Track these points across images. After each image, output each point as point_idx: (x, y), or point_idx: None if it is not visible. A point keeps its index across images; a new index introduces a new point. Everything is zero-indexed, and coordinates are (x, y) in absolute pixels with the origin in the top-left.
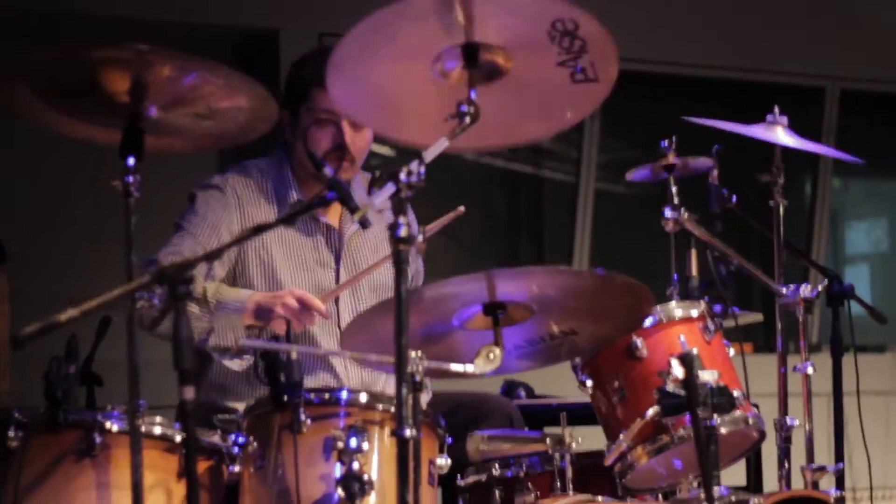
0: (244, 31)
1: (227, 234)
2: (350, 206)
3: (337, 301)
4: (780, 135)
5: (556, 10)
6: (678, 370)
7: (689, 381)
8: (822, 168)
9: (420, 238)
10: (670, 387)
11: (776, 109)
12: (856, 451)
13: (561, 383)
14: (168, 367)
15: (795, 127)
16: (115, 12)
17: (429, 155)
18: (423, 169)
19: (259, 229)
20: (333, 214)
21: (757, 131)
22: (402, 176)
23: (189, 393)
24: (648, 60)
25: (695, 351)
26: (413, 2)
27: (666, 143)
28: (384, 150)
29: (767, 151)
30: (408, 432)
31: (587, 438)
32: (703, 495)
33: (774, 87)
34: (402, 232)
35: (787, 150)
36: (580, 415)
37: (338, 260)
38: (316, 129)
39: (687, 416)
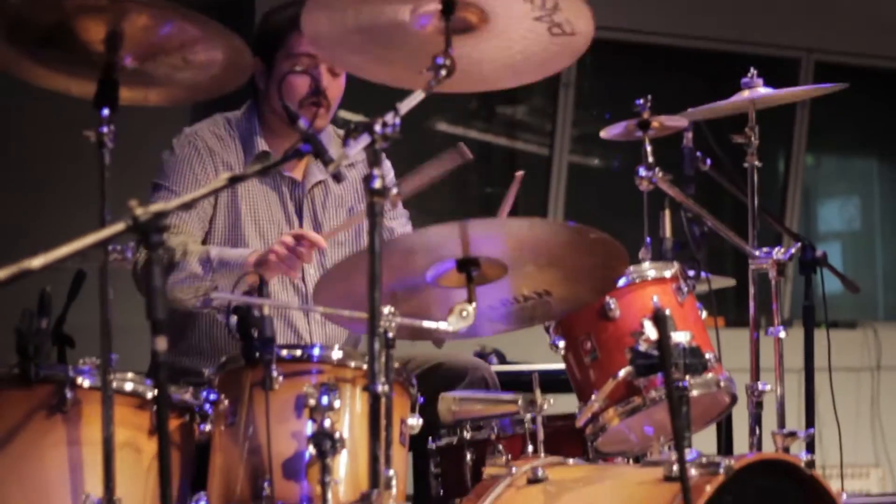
0: None
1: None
2: (325, 158)
3: None
4: (757, 91)
5: None
6: (651, 331)
7: (662, 341)
8: (796, 145)
9: (395, 190)
10: (643, 347)
11: (752, 71)
12: (826, 427)
13: (533, 349)
14: (143, 333)
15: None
16: None
17: (404, 107)
18: (398, 120)
19: (234, 180)
20: (297, 168)
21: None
22: (378, 127)
23: (161, 344)
24: (623, 29)
25: (668, 311)
26: None
27: (641, 101)
28: (358, 118)
29: (743, 120)
30: (380, 388)
31: (559, 403)
32: (674, 457)
33: (750, 57)
34: (377, 183)
35: (761, 127)
36: (552, 381)
37: (300, 213)
38: (292, 75)
39: (659, 377)
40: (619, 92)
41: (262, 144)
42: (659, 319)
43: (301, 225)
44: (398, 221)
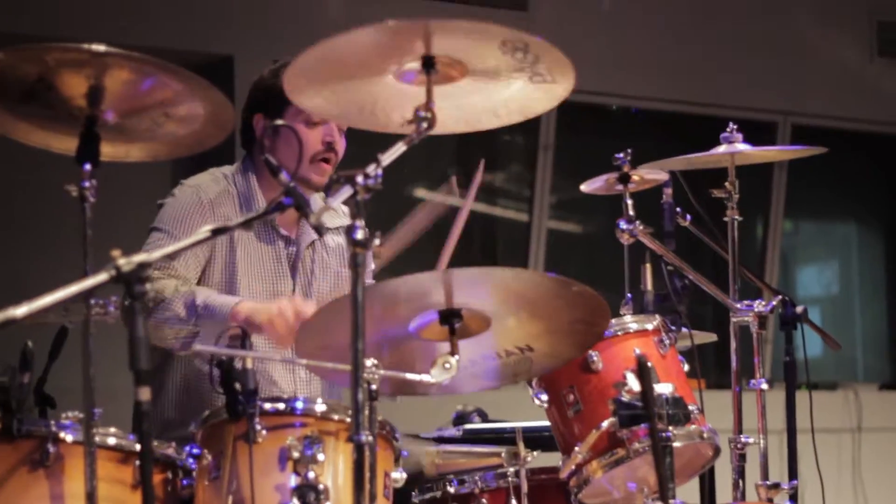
0: (199, 57)
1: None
2: (305, 211)
3: None
4: (738, 146)
5: (502, 34)
6: (634, 382)
7: (646, 389)
8: (773, 209)
9: (377, 242)
10: (626, 398)
11: (732, 126)
12: (808, 488)
13: (515, 408)
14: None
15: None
16: (66, 35)
17: (386, 158)
18: (380, 171)
19: (217, 232)
20: (291, 227)
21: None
22: (360, 179)
23: (145, 394)
24: (602, 93)
25: (650, 364)
26: (369, 30)
27: (622, 154)
28: None
29: (722, 177)
30: (364, 438)
31: (542, 459)
32: None
33: (728, 121)
34: (359, 234)
35: (738, 192)
36: (535, 438)
37: (293, 271)
38: (306, 129)
39: (642, 429)
40: (598, 155)
41: (262, 200)
42: (642, 368)
43: (294, 282)
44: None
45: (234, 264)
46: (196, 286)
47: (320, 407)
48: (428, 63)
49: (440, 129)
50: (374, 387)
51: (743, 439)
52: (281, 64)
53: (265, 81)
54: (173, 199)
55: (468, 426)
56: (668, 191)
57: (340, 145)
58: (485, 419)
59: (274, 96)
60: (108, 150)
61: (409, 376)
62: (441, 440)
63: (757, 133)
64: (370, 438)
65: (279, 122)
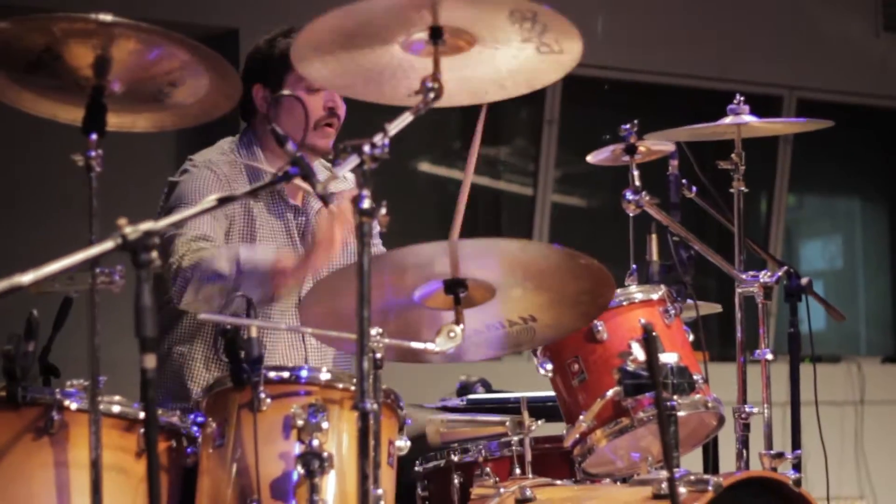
0: (204, 30)
1: (223, 212)
2: (312, 180)
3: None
4: (743, 118)
5: (510, 3)
6: (639, 351)
7: (651, 358)
8: (778, 183)
9: (384, 212)
10: (631, 367)
11: (739, 97)
12: (812, 460)
13: (519, 378)
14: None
15: (752, 138)
16: (71, 7)
17: (392, 128)
18: (387, 141)
19: (223, 201)
20: (298, 197)
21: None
22: (366, 148)
23: (150, 361)
24: (607, 67)
25: (655, 333)
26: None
27: (628, 126)
28: None
29: (728, 149)
30: (368, 405)
31: (546, 427)
32: (663, 475)
33: (733, 95)
34: (366, 204)
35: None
36: (539, 408)
37: (304, 242)
38: (307, 95)
39: (647, 398)
40: (602, 129)
41: (268, 171)
42: (648, 337)
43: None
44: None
45: (252, 237)
46: (237, 244)
47: (325, 375)
48: (436, 33)
49: (446, 100)
50: (379, 355)
51: (747, 409)
52: (277, 33)
53: (262, 51)
54: (189, 176)
55: (472, 396)
56: (674, 162)
57: (342, 109)
58: (488, 389)
59: (272, 65)
60: (115, 121)
61: (414, 345)
62: (445, 410)
63: (762, 107)
64: (375, 406)
65: (285, 91)
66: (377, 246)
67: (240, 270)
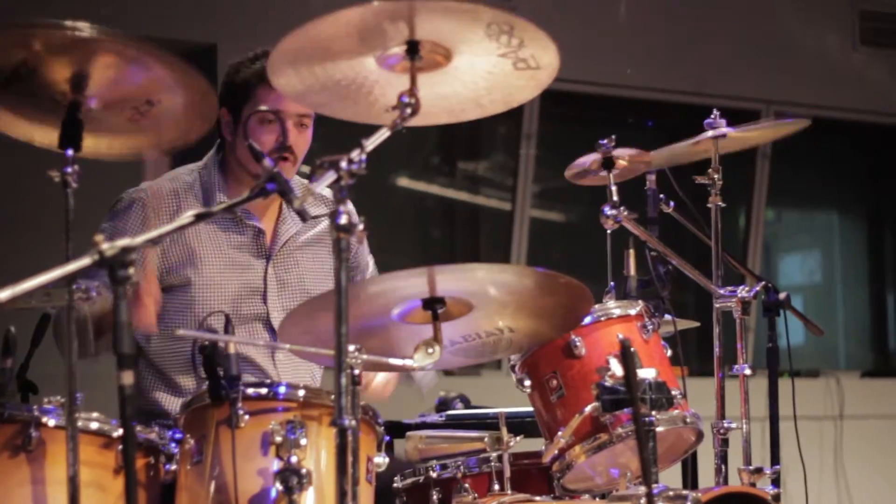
0: (182, 46)
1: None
2: (289, 197)
3: (265, 299)
4: (722, 130)
5: (488, 17)
6: (617, 367)
7: (629, 372)
8: (756, 198)
9: (361, 227)
10: (609, 382)
11: (716, 112)
12: (791, 475)
13: (498, 394)
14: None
15: (730, 153)
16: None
17: (370, 143)
18: (364, 157)
19: (200, 217)
20: (268, 217)
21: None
22: (343, 164)
23: (128, 378)
24: (585, 81)
25: (633, 349)
26: (353, 11)
27: (605, 140)
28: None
29: (705, 165)
30: (347, 422)
31: (525, 443)
32: (641, 490)
33: (711, 110)
34: (343, 220)
35: (722, 182)
36: (518, 424)
37: (269, 260)
38: (259, 127)
39: (625, 414)
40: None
41: (221, 198)
42: (625, 352)
43: (266, 271)
44: (365, 258)
45: (204, 259)
46: None
47: (303, 392)
48: (412, 48)
49: (423, 119)
50: (357, 371)
51: (725, 424)
52: (246, 57)
53: (228, 76)
54: (120, 202)
55: (451, 412)
56: (652, 177)
57: (301, 143)
58: (467, 405)
59: (233, 92)
60: (91, 144)
61: (393, 361)
62: (424, 426)
63: (740, 121)
64: (353, 423)
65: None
66: (370, 265)
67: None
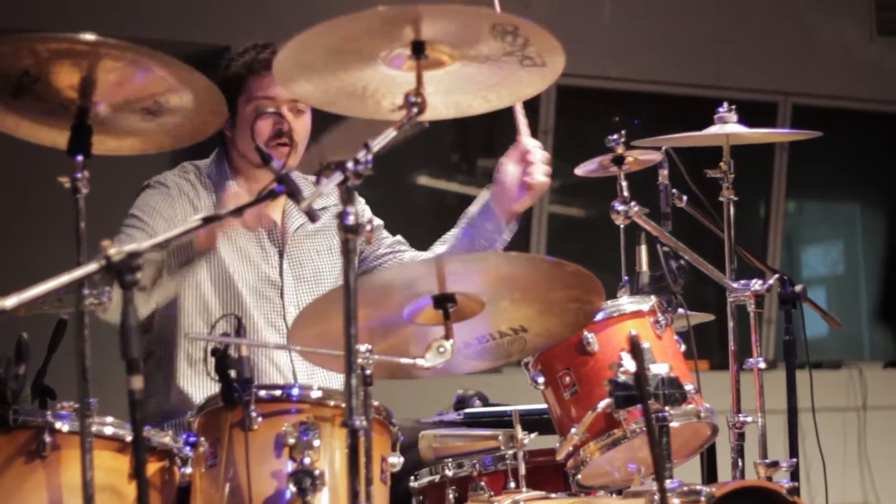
0: (196, 48)
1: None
2: (298, 198)
3: (282, 294)
4: (731, 128)
5: (492, 18)
6: (630, 363)
7: (639, 370)
8: (775, 189)
9: (368, 227)
10: (622, 378)
11: (726, 105)
12: (813, 467)
13: (516, 391)
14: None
15: (748, 144)
16: (63, 28)
17: (376, 144)
18: (370, 157)
19: (208, 220)
20: (276, 210)
21: (707, 133)
22: (350, 164)
23: (137, 383)
24: (601, 77)
25: (646, 344)
26: (359, 16)
27: (615, 136)
28: None
29: (718, 157)
30: (357, 423)
31: (540, 441)
32: (655, 486)
33: (727, 102)
34: (350, 220)
35: (740, 173)
36: (536, 422)
37: (281, 255)
38: (256, 117)
39: (639, 409)
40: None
41: (234, 186)
42: (635, 349)
43: (282, 264)
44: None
45: (219, 253)
46: None
47: (315, 393)
48: (417, 48)
49: (431, 114)
50: (368, 372)
51: (741, 418)
52: (236, 52)
53: (220, 72)
54: (147, 192)
55: (468, 410)
56: (664, 171)
57: (300, 127)
58: (486, 403)
59: (226, 86)
60: (104, 144)
61: (404, 361)
62: (441, 424)
63: (758, 114)
64: (364, 423)
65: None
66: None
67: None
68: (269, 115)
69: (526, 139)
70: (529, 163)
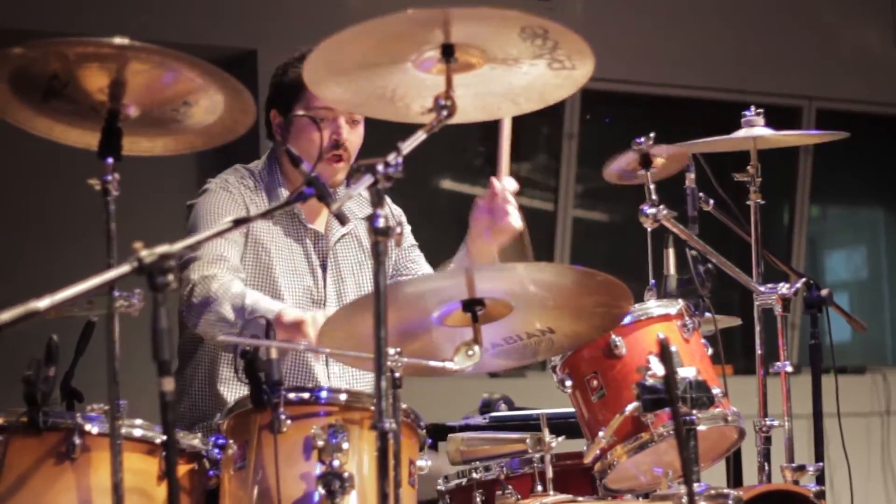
0: (222, 52)
1: (239, 232)
2: (327, 200)
3: (324, 303)
4: (758, 131)
5: (521, 21)
6: (657, 366)
7: (668, 372)
8: (800, 194)
9: (399, 230)
10: (649, 382)
11: (753, 109)
12: (837, 472)
13: (542, 395)
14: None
15: (772, 149)
16: (91, 31)
17: (406, 147)
18: (400, 160)
19: (238, 222)
20: (321, 221)
21: (735, 136)
22: (380, 167)
23: (168, 384)
24: (626, 80)
25: (674, 348)
26: (389, 20)
27: (643, 138)
28: None
29: (745, 161)
30: (387, 425)
31: (567, 444)
32: (683, 490)
33: (754, 106)
34: (381, 223)
35: (764, 178)
36: (561, 425)
37: (324, 266)
38: (310, 127)
39: (666, 413)
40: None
41: (284, 194)
42: (664, 352)
43: (325, 276)
44: (418, 263)
45: (269, 262)
46: (245, 288)
47: (344, 396)
48: (447, 51)
49: (460, 117)
50: (397, 374)
51: (767, 422)
52: (293, 58)
53: (276, 77)
54: (203, 198)
55: (494, 413)
56: (691, 175)
57: (354, 139)
58: (511, 407)
59: (283, 91)
60: (130, 145)
61: (433, 363)
62: (467, 428)
63: (782, 118)
64: (394, 426)
65: (298, 112)
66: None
67: (244, 318)
68: (324, 125)
69: (498, 180)
70: (500, 207)
